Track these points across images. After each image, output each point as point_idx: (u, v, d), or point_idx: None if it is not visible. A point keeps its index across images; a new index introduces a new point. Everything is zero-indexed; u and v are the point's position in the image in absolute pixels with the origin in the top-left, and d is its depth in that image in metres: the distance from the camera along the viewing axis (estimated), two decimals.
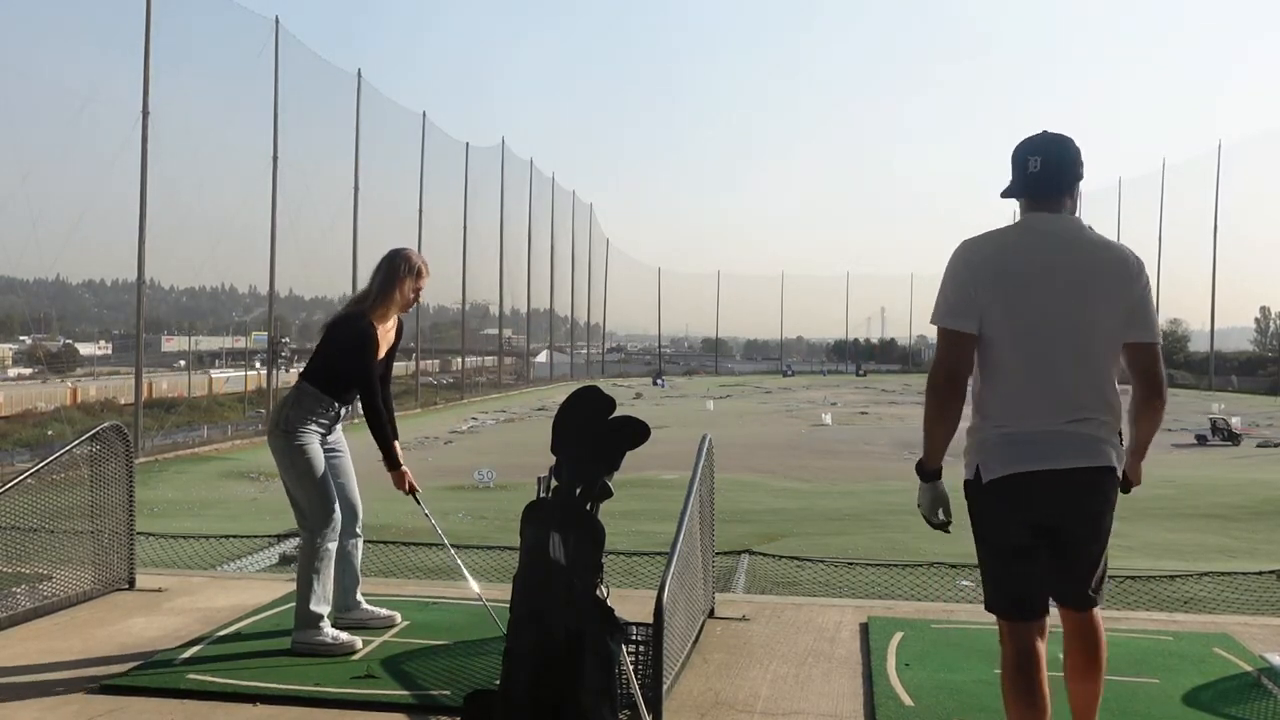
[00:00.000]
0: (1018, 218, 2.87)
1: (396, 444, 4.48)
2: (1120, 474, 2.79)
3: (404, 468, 4.48)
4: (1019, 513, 2.71)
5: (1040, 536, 2.74)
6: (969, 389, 2.80)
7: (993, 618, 2.90)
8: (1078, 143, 2.82)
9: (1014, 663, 2.80)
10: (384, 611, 4.68)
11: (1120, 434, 2.79)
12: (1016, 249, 2.76)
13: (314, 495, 4.35)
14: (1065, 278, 2.70)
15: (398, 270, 4.47)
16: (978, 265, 2.74)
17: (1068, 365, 2.69)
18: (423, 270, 4.54)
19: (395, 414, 4.64)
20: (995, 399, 2.74)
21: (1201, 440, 23.53)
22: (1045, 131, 2.83)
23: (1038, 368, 2.69)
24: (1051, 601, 2.86)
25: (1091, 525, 2.77)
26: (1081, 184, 2.84)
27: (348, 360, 4.41)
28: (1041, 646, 2.78)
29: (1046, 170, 2.75)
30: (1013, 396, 2.72)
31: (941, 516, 2.88)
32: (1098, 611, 2.88)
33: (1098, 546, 2.80)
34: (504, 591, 3.95)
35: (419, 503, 4.60)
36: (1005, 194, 2.86)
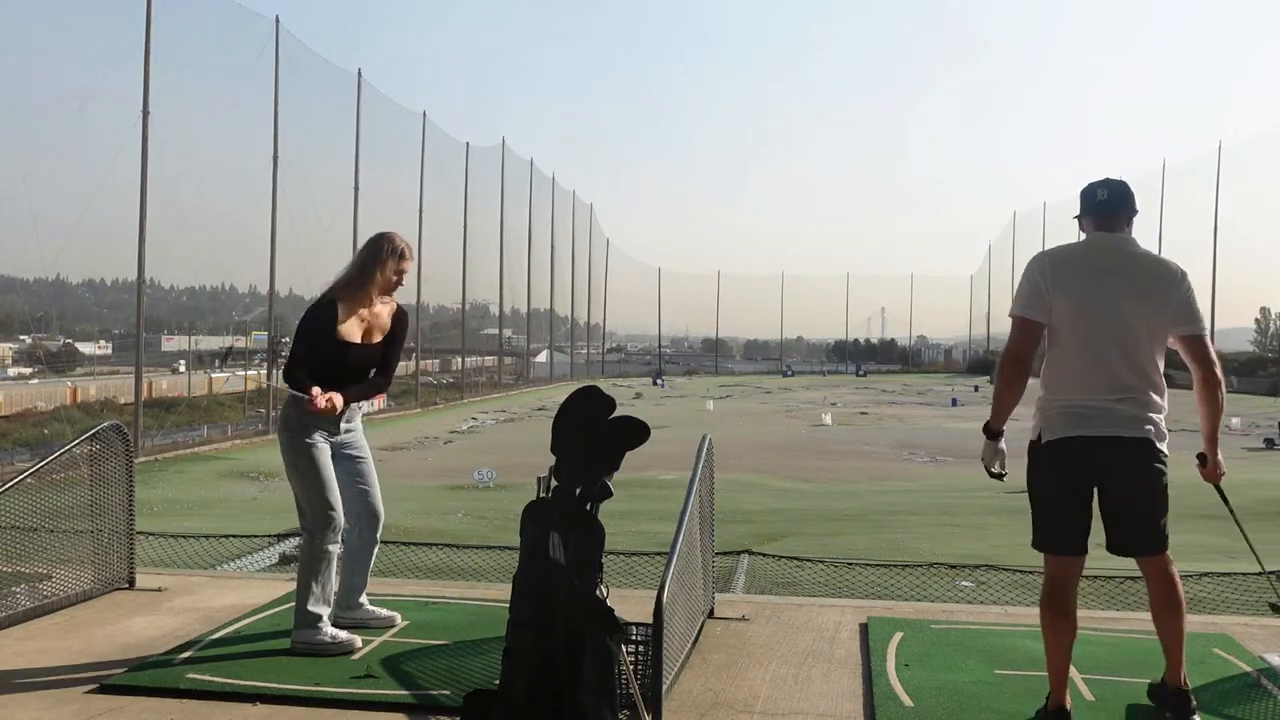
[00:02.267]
0: (1081, 237, 3.55)
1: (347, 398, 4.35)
2: (1160, 448, 3.32)
3: (333, 395, 4.26)
4: (1068, 469, 3.34)
5: (1080, 490, 3.33)
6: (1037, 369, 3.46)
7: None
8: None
9: (1048, 588, 3.42)
10: (384, 612, 4.67)
11: (1162, 412, 3.35)
12: (1081, 258, 3.43)
13: (312, 495, 4.33)
14: (1117, 282, 3.34)
15: (379, 251, 4.42)
16: (1048, 269, 3.41)
17: (1116, 352, 3.31)
18: (405, 253, 4.47)
19: (387, 399, 4.60)
20: (1056, 378, 3.39)
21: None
22: (1107, 177, 3.55)
23: (1091, 354, 3.33)
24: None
25: (1134, 485, 3.32)
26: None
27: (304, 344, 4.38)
28: (1072, 579, 3.39)
29: (1111, 198, 3.48)
30: (1070, 376, 3.36)
31: (998, 468, 3.54)
32: (1170, 562, 3.40)
33: (1145, 505, 3.34)
34: (504, 591, 3.94)
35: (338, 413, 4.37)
36: (1078, 217, 3.56)
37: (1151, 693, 3.64)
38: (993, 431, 3.51)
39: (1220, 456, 3.56)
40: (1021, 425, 3.48)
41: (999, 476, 3.54)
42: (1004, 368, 3.43)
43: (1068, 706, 3.39)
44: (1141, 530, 3.36)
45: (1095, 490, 3.36)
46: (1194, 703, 3.44)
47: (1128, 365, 3.32)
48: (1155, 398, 3.34)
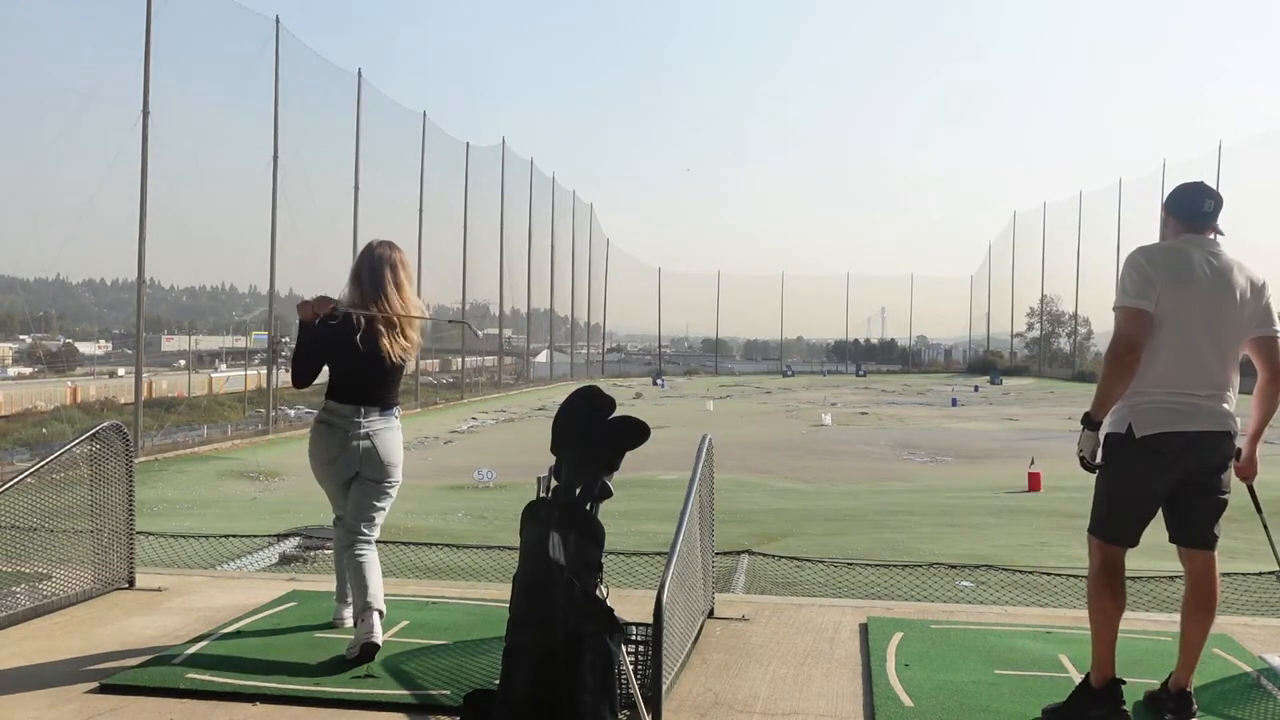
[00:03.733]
0: (1163, 237, 3.67)
1: None
2: (1236, 444, 3.48)
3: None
4: (1161, 466, 3.41)
5: (1168, 486, 3.43)
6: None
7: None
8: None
9: (1102, 568, 3.53)
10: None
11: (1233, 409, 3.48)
12: (1184, 257, 3.50)
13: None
14: (1213, 284, 3.45)
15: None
16: (1158, 261, 3.48)
17: (1211, 350, 3.43)
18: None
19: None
20: (1150, 373, 3.43)
21: None
22: (1204, 183, 3.64)
23: (1187, 350, 3.42)
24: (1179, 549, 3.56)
25: (1217, 476, 3.46)
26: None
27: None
28: (1123, 560, 3.52)
29: (1215, 210, 3.60)
30: (1164, 371, 3.42)
31: (1100, 459, 3.51)
32: (1216, 560, 3.50)
33: (1221, 496, 3.48)
34: (504, 591, 3.94)
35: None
36: (1170, 212, 3.64)
37: (1148, 699, 3.65)
38: (1094, 422, 3.51)
39: (1257, 455, 3.61)
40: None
41: (1097, 468, 3.54)
42: (1118, 358, 3.42)
43: (1119, 677, 3.50)
44: (1208, 523, 3.48)
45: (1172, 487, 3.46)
46: (1195, 706, 3.46)
47: (1220, 363, 3.44)
48: (1233, 395, 3.50)
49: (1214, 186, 3.66)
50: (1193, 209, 3.59)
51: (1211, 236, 3.59)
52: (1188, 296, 3.42)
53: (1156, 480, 3.44)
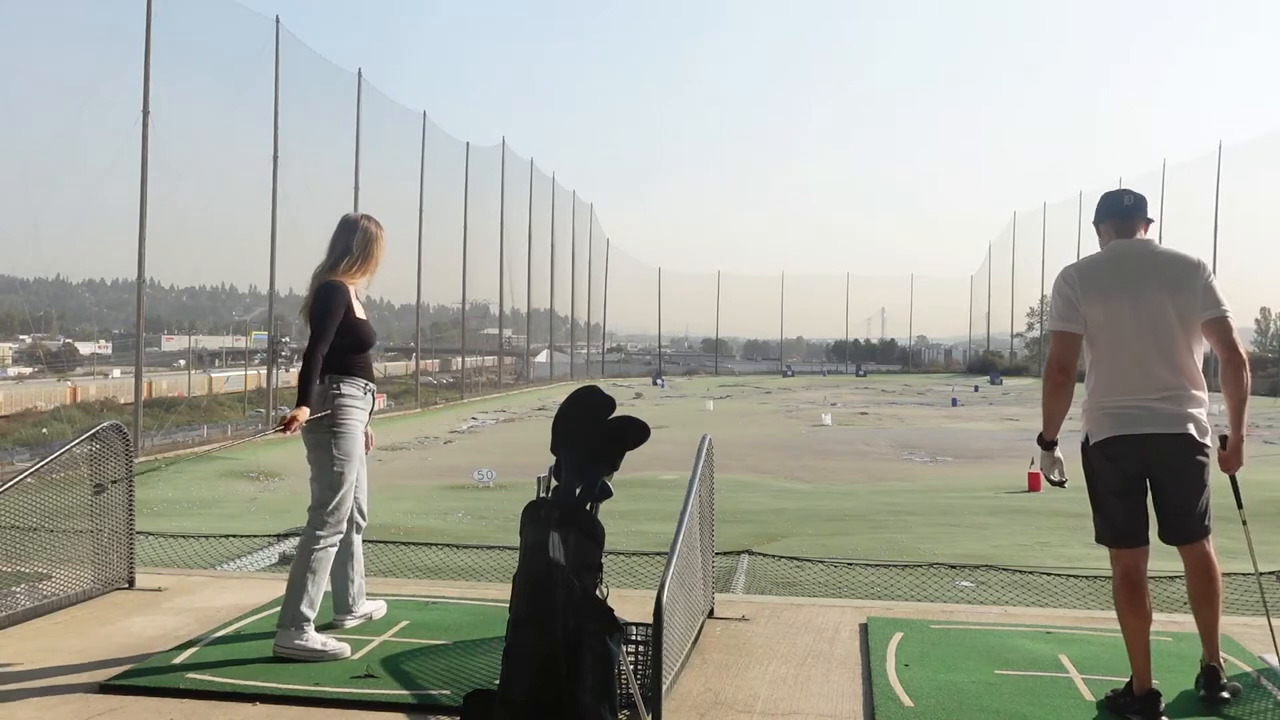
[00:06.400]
0: (1095, 243, 3.80)
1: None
2: (1203, 442, 3.49)
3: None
4: (1116, 466, 3.53)
5: (1134, 484, 3.52)
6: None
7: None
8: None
9: (1120, 579, 3.58)
10: (372, 604, 4.68)
11: (1202, 407, 3.52)
12: (1105, 268, 3.62)
13: (347, 489, 4.32)
14: (1144, 283, 3.52)
15: (370, 231, 4.45)
16: (1077, 282, 3.62)
17: (1153, 352, 3.48)
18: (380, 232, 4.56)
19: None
20: (1099, 382, 3.58)
21: None
22: (1121, 187, 3.81)
23: (1128, 356, 3.50)
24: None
25: (1173, 477, 3.50)
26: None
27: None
28: (1142, 568, 3.56)
29: (1136, 206, 3.70)
30: (1111, 379, 3.55)
31: (1057, 476, 3.70)
32: (1210, 550, 3.57)
33: (1184, 495, 3.51)
34: (504, 591, 3.94)
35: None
36: (1096, 224, 3.77)
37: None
38: (1046, 442, 3.70)
39: (1243, 446, 3.58)
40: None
41: (1059, 484, 3.70)
42: (1048, 379, 3.64)
43: (1157, 687, 3.52)
44: (1183, 521, 3.53)
45: (1147, 484, 3.55)
46: (1223, 679, 3.60)
47: (1165, 364, 3.48)
48: (1195, 393, 3.51)
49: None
50: (1114, 206, 3.71)
51: (1142, 235, 3.68)
52: (1114, 306, 3.52)
53: (1118, 479, 3.54)
